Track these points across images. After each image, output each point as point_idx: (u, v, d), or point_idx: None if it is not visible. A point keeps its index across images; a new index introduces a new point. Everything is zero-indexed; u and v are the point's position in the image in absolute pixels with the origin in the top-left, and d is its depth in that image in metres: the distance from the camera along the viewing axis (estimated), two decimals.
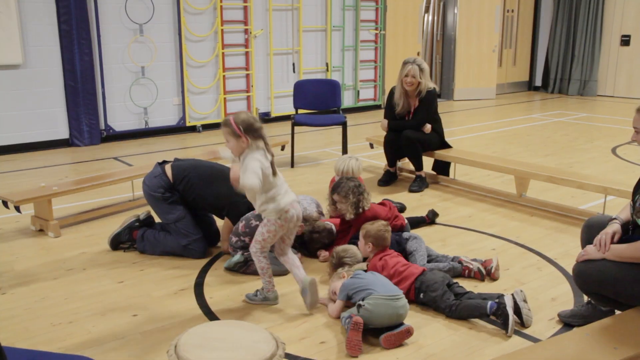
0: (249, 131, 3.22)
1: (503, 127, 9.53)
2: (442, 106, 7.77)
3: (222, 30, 9.02)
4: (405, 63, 5.68)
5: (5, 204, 4.70)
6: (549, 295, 3.68)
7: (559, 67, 13.37)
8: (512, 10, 13.29)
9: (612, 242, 2.92)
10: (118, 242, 4.38)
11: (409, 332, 3.14)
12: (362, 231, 3.81)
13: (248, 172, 3.13)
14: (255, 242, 3.43)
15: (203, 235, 4.28)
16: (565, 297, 3.65)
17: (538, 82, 13.99)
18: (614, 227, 2.98)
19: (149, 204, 4.39)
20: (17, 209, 4.62)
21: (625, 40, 12.51)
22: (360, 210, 4.13)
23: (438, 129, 6.02)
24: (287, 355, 2.94)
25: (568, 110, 11.24)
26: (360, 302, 3.12)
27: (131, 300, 3.64)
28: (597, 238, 2.99)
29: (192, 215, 4.28)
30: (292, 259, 3.54)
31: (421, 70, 5.57)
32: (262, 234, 3.40)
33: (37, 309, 3.51)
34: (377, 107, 11.12)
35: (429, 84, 5.76)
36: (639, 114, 2.89)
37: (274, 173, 3.32)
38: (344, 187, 4.17)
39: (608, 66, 12.81)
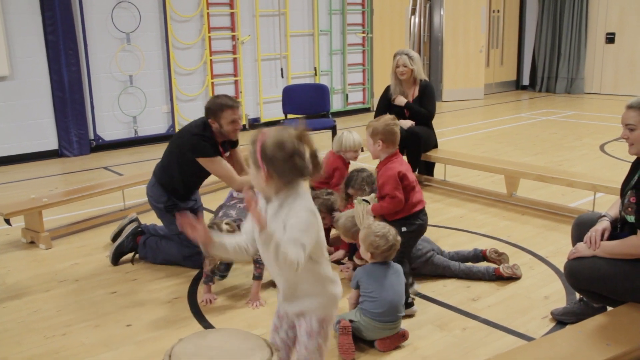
0: (272, 162, 2.11)
1: (492, 126, 9.56)
2: None
3: (209, 37, 9.01)
4: (395, 55, 5.72)
5: (7, 221, 4.67)
6: (542, 293, 3.69)
7: (546, 66, 13.43)
8: (498, 11, 13.35)
9: (602, 239, 2.94)
10: (120, 254, 4.32)
11: (404, 336, 3.14)
12: (369, 129, 3.50)
13: (288, 236, 2.06)
14: None
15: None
16: (557, 295, 3.66)
17: (525, 81, 14.05)
18: (604, 224, 3.00)
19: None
20: (7, 221, 4.60)
21: (610, 38, 12.59)
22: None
23: (433, 128, 6.03)
24: None
25: (556, 108, 11.30)
26: (354, 319, 3.10)
27: (124, 310, 3.62)
28: (587, 235, 3.01)
29: None
30: None
31: (410, 57, 5.60)
32: (311, 351, 2.29)
33: (30, 322, 3.49)
34: (367, 110, 11.14)
35: (422, 73, 5.78)
36: (631, 110, 2.89)
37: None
38: (357, 179, 4.15)
39: (594, 64, 12.88)
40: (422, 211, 3.59)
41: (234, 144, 4.36)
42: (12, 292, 3.90)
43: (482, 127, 9.53)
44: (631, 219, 2.85)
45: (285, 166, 2.09)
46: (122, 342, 3.26)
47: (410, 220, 3.51)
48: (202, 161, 4.03)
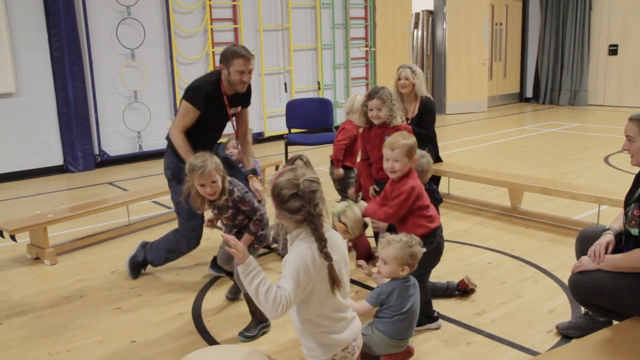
0: (280, 203, 2.22)
1: (496, 139, 9.57)
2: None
3: (212, 52, 9.06)
4: (398, 68, 5.74)
5: (0, 233, 4.69)
6: (547, 307, 3.68)
7: (549, 78, 13.46)
8: (501, 24, 13.39)
9: (606, 253, 2.94)
10: (136, 265, 4.31)
11: (409, 353, 3.11)
12: (404, 148, 3.33)
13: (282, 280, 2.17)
14: None
15: (200, 224, 4.08)
16: (562, 309, 3.65)
17: (529, 93, 14.07)
18: (608, 237, 3.00)
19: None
20: (13, 237, 4.61)
21: (613, 50, 12.62)
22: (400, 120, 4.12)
23: (435, 143, 6.02)
24: None
25: (560, 120, 11.31)
26: (364, 333, 2.93)
27: (129, 326, 3.62)
28: (591, 249, 3.00)
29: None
30: None
31: (413, 72, 5.59)
32: None
33: (35, 339, 3.49)
34: None
35: (424, 89, 5.78)
36: (631, 122, 2.90)
37: (334, 287, 2.22)
38: (385, 91, 4.10)
39: (597, 76, 12.90)
40: (439, 228, 3.46)
41: (244, 102, 4.29)
42: (17, 308, 3.90)
43: (486, 140, 9.54)
44: (635, 232, 2.84)
45: (290, 208, 2.19)
46: (126, 358, 3.25)
47: (429, 239, 3.32)
48: (183, 104, 4.00)
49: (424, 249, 3.17)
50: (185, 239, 4.11)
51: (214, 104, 4.04)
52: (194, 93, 4.01)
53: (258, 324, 3.45)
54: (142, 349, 3.35)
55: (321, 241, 2.17)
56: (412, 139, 3.37)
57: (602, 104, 12.88)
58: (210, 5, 8.95)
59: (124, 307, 3.89)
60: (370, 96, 4.16)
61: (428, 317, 3.44)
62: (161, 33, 8.61)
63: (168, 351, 3.32)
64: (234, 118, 4.28)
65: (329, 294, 2.23)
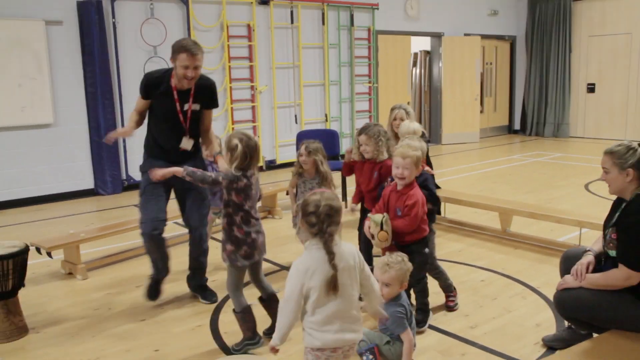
0: (303, 214, 2.44)
1: (487, 167, 9.58)
2: (431, 150, 7.80)
3: (230, 87, 9.16)
4: (392, 109, 5.73)
5: (38, 250, 4.72)
6: (534, 321, 3.67)
7: (535, 112, 13.48)
8: (491, 63, 13.48)
9: (587, 272, 2.94)
10: (151, 287, 4.06)
11: None
12: (413, 158, 3.41)
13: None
14: None
15: (155, 217, 3.85)
16: (548, 323, 3.64)
17: (517, 126, 14.09)
18: (588, 258, 3.01)
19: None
20: (49, 254, 4.64)
21: (591, 88, 12.69)
22: (386, 156, 4.02)
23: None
24: None
25: (545, 150, 11.31)
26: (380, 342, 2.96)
27: (153, 337, 3.64)
28: (573, 268, 3.01)
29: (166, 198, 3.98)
30: None
31: (407, 113, 5.59)
32: None
33: (68, 347, 3.51)
34: None
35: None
36: (606, 155, 2.94)
37: (329, 290, 2.36)
38: (374, 128, 4.04)
39: (577, 110, 12.93)
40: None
41: (208, 103, 3.96)
42: (52, 319, 3.93)
43: (478, 168, 9.55)
44: (613, 253, 2.86)
45: (308, 221, 2.39)
46: None
47: (427, 241, 3.52)
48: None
49: (427, 250, 3.28)
50: (141, 226, 3.85)
51: (159, 95, 3.82)
52: (141, 81, 3.92)
53: (243, 340, 3.39)
54: (165, 358, 3.36)
55: (329, 254, 2.33)
56: (419, 152, 3.45)
57: (582, 136, 12.89)
58: (228, 45, 9.07)
59: (148, 319, 3.91)
60: (359, 132, 4.13)
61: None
62: None
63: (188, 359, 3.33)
64: (187, 115, 3.88)
65: (328, 299, 2.36)
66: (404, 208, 3.39)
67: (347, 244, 2.47)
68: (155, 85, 3.79)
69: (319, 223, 2.35)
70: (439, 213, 3.91)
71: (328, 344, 2.39)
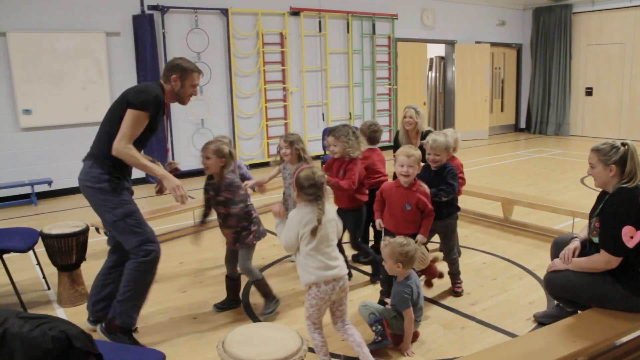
0: (300, 188, 2.68)
1: (494, 162, 9.50)
2: None
3: (265, 88, 9.23)
4: (405, 108, 5.75)
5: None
6: (527, 299, 3.68)
7: (539, 113, 13.28)
8: (499, 68, 13.30)
9: (573, 256, 2.94)
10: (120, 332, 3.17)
11: (416, 336, 3.15)
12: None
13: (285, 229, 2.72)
14: (305, 319, 2.75)
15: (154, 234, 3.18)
16: (540, 301, 3.64)
17: (522, 124, 13.90)
18: (575, 243, 3.00)
19: (93, 209, 3.23)
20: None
21: (589, 91, 12.45)
22: (358, 153, 3.89)
23: None
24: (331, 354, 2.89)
25: (546, 147, 11.15)
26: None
27: (192, 307, 3.74)
28: (562, 253, 3.01)
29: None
30: (352, 335, 2.77)
31: (417, 112, 5.57)
32: (307, 309, 2.71)
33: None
34: (392, 147, 11.13)
35: (425, 125, 5.80)
36: (592, 152, 2.93)
37: (314, 234, 2.62)
38: (341, 129, 3.90)
39: (577, 112, 12.71)
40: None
41: None
42: None
43: (487, 162, 9.47)
44: (596, 240, 2.85)
45: (307, 192, 2.67)
46: (189, 331, 3.38)
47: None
48: (130, 113, 3.09)
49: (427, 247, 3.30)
50: (153, 246, 3.13)
51: (160, 111, 3.27)
52: (143, 98, 3.09)
53: (270, 301, 3.53)
54: (201, 324, 3.46)
55: (321, 211, 2.63)
56: (419, 152, 3.45)
57: (581, 135, 12.66)
58: (263, 51, 9.12)
59: (188, 291, 4.01)
60: (328, 133, 4.01)
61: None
62: (224, 73, 8.80)
63: (220, 326, 3.42)
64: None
65: (316, 243, 2.63)
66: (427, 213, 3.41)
67: (328, 204, 2.75)
68: (163, 104, 3.26)
69: (317, 190, 2.65)
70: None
71: (321, 278, 2.63)
